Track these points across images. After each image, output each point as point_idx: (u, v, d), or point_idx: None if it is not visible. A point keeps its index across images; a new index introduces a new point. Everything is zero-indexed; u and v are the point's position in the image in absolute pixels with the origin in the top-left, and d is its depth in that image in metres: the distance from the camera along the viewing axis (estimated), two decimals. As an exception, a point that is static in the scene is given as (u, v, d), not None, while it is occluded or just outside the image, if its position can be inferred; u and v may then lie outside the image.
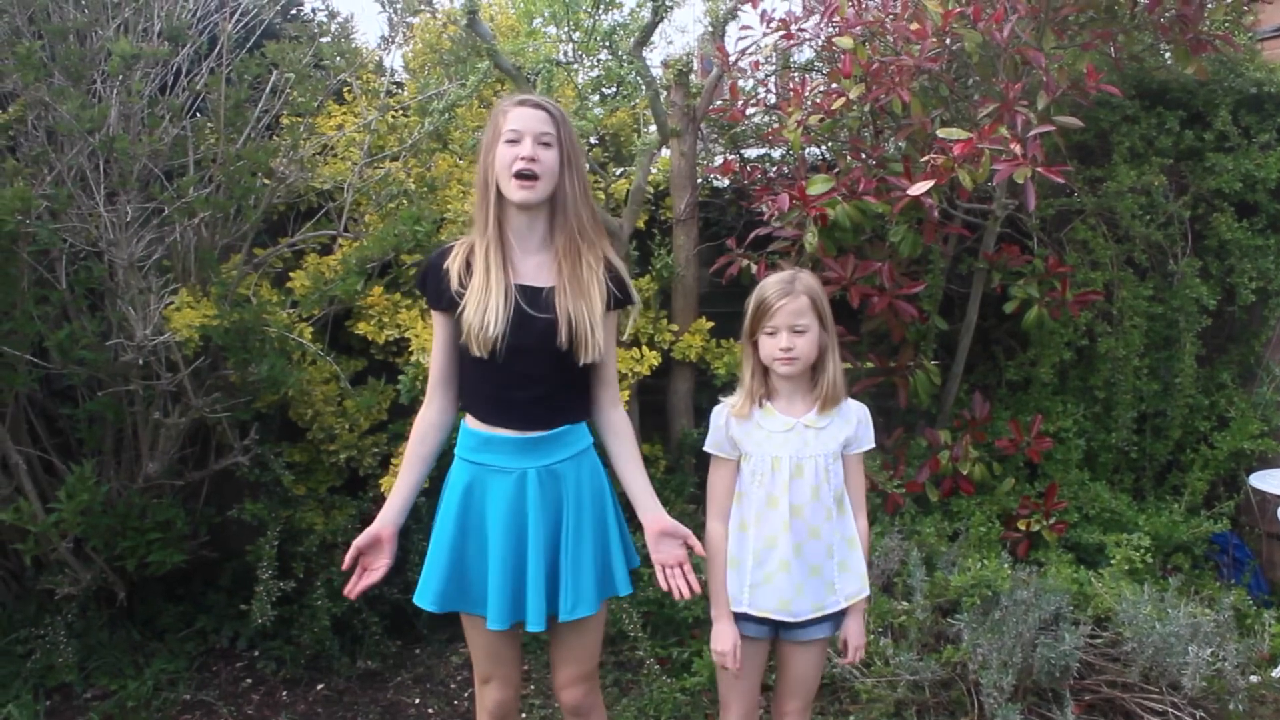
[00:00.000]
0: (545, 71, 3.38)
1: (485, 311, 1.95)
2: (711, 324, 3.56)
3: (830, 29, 3.45)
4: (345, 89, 3.49)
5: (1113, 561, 3.26)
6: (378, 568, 2.05)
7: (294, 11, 3.64)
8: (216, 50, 2.99)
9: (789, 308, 2.06)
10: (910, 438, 3.70)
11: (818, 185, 3.12)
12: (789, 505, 2.08)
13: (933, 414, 3.79)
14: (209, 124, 3.04)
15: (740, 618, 2.14)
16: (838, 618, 2.17)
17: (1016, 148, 2.85)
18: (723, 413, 2.15)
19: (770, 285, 2.10)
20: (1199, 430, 3.87)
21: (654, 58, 4.02)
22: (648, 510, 2.07)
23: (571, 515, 2.05)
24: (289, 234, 3.31)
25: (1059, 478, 3.64)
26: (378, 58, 3.50)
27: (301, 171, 3.15)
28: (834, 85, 3.32)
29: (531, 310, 1.98)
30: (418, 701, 3.17)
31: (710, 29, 3.64)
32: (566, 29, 3.64)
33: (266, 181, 3.06)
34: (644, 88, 3.38)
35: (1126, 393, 3.73)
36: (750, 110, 3.71)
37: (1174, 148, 3.70)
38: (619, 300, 2.07)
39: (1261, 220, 3.78)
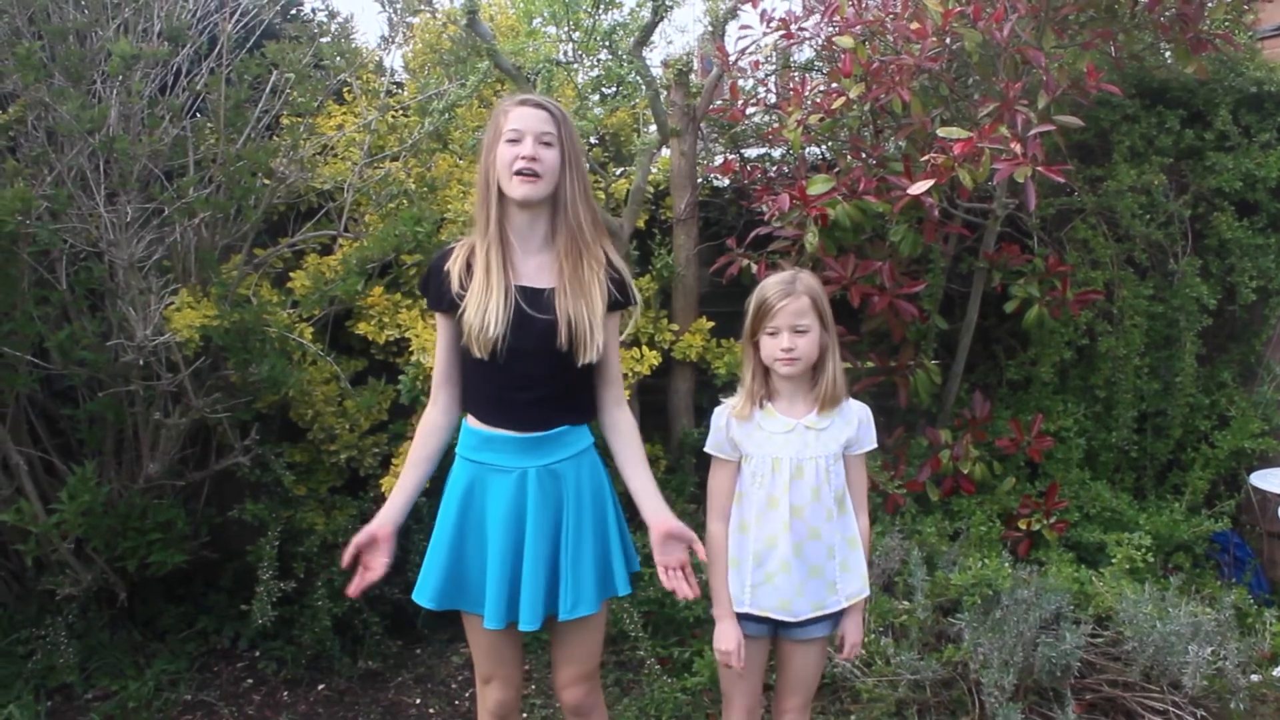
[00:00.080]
0: (545, 71, 3.38)
1: (485, 313, 1.95)
2: (712, 324, 3.56)
3: (830, 28, 3.45)
4: (345, 89, 3.48)
5: (1113, 561, 3.26)
6: (376, 567, 2.04)
7: (294, 11, 3.63)
8: (216, 50, 2.98)
9: (790, 308, 2.06)
10: (911, 437, 3.70)
11: (818, 185, 3.12)
12: (789, 506, 2.08)
13: (933, 413, 3.79)
14: (209, 124, 3.04)
15: (741, 617, 2.14)
16: (838, 616, 2.18)
17: (1017, 147, 2.85)
18: (723, 414, 2.15)
19: (771, 286, 2.10)
20: (1200, 429, 3.87)
21: (654, 57, 4.03)
22: (652, 511, 2.06)
23: (572, 515, 2.05)
24: (289, 234, 3.31)
25: (1060, 477, 3.64)
26: (378, 58, 3.50)
27: (301, 171, 3.15)
28: (834, 85, 3.32)
29: (532, 311, 1.98)
30: (419, 702, 3.17)
31: (710, 28, 3.64)
32: (566, 29, 3.64)
33: (266, 182, 3.06)
34: (644, 87, 3.38)
35: (1127, 392, 3.73)
36: (750, 110, 3.71)
37: (1174, 147, 3.70)
38: (620, 301, 2.07)
39: (1262, 219, 3.78)
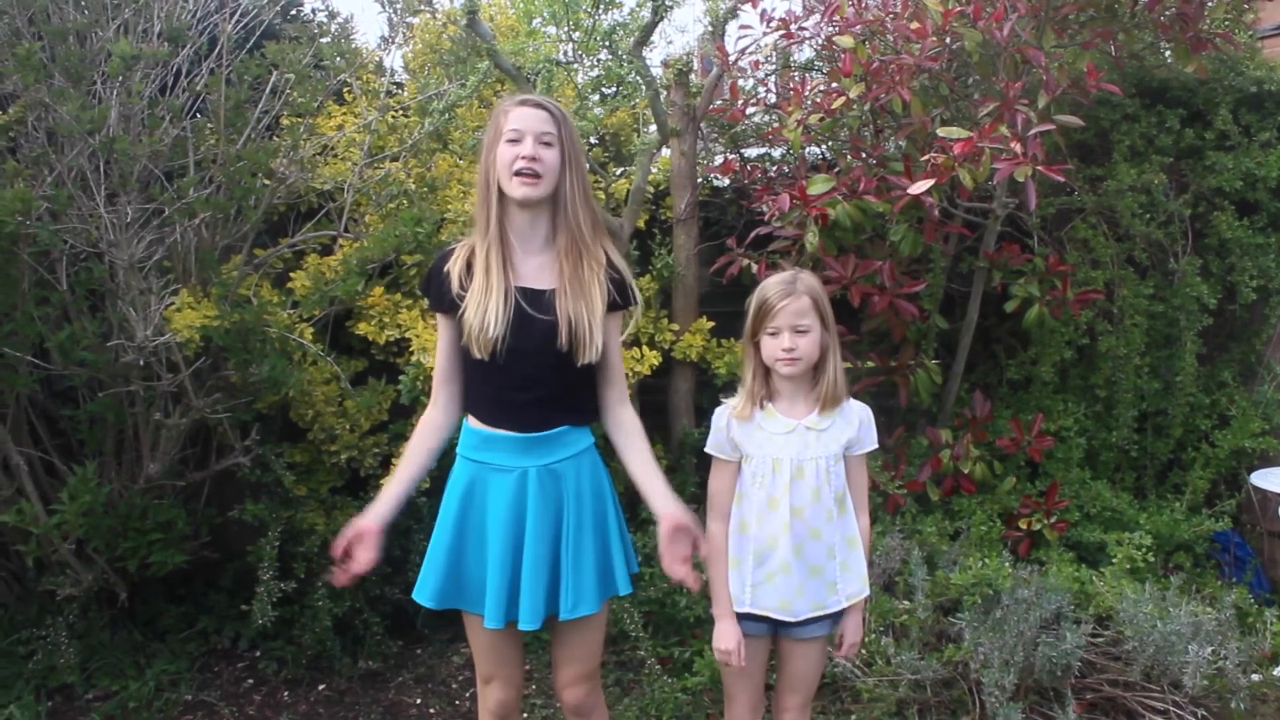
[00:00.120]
0: (545, 71, 3.38)
1: (485, 314, 1.96)
2: (712, 324, 3.56)
3: (830, 28, 3.45)
4: (345, 89, 3.48)
5: (1114, 560, 3.26)
6: (362, 560, 2.00)
7: (294, 12, 3.63)
8: (216, 51, 2.98)
9: (791, 308, 2.06)
10: (911, 437, 3.70)
11: (818, 185, 3.12)
12: (790, 507, 2.08)
13: (934, 413, 3.79)
14: (209, 125, 3.04)
15: (741, 616, 2.14)
16: (838, 615, 2.18)
17: (1017, 146, 2.85)
18: (724, 414, 2.15)
19: (772, 286, 2.10)
20: (1200, 429, 3.87)
21: (654, 57, 4.03)
22: (661, 504, 2.03)
23: (572, 515, 2.05)
24: (289, 234, 3.31)
25: (1060, 476, 3.63)
26: (378, 58, 3.50)
27: (302, 172, 3.15)
28: (834, 84, 3.32)
29: (532, 312, 1.98)
30: (419, 702, 3.17)
31: (710, 28, 3.64)
32: (566, 29, 3.64)
33: (267, 182, 3.06)
34: (644, 87, 3.38)
35: (1127, 391, 3.73)
36: (750, 109, 3.71)
37: (1174, 146, 3.70)
38: (621, 301, 2.07)
39: (1262, 218, 3.78)
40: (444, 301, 2.04)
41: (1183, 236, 3.76)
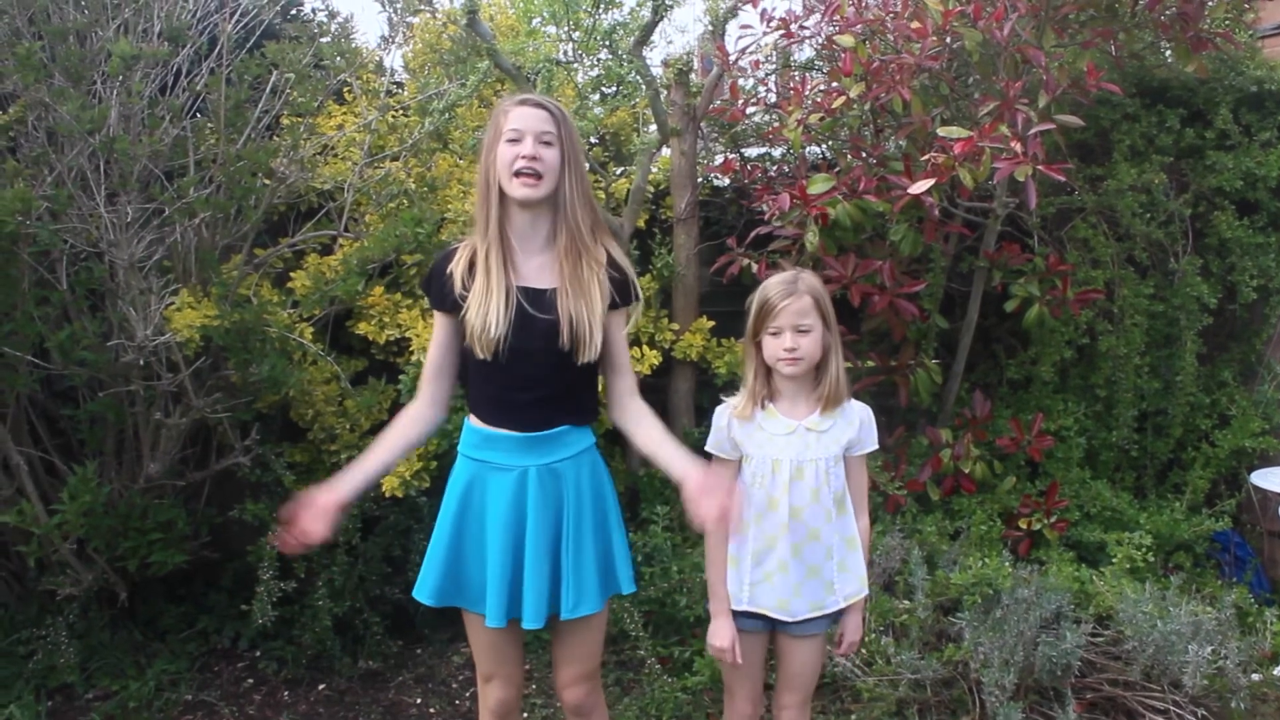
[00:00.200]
0: (545, 71, 3.38)
1: (487, 314, 1.96)
2: (712, 323, 3.56)
3: (831, 27, 3.45)
4: (345, 89, 3.48)
5: (1114, 560, 3.26)
6: (311, 532, 1.93)
7: (294, 11, 3.63)
8: (216, 51, 2.98)
9: (793, 308, 2.06)
10: (911, 436, 3.70)
11: (818, 184, 3.12)
12: (789, 507, 2.08)
13: (934, 413, 3.79)
14: (209, 124, 3.04)
15: (739, 614, 2.15)
16: (836, 613, 2.18)
17: (1017, 146, 2.85)
18: (724, 413, 2.16)
19: (773, 285, 2.10)
20: (1200, 428, 3.87)
21: (654, 57, 4.02)
22: (681, 469, 1.97)
23: (572, 514, 2.05)
24: (289, 234, 3.31)
25: (1060, 476, 3.63)
26: (378, 58, 3.50)
27: (302, 171, 3.15)
28: (834, 84, 3.32)
29: (534, 311, 1.99)
30: (419, 701, 3.17)
31: (710, 28, 3.64)
32: (566, 28, 3.64)
33: (267, 182, 3.06)
34: (644, 87, 3.38)
35: (1127, 391, 3.73)
36: (750, 109, 3.71)
37: (1175, 146, 3.70)
38: (623, 300, 2.07)
39: (1262, 218, 3.78)
40: (446, 302, 2.05)
41: (1183, 236, 3.76)
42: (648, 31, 3.35)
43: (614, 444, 3.56)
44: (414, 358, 3.02)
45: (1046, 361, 3.71)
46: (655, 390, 3.59)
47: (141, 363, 2.83)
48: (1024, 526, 3.48)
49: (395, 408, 3.21)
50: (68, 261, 2.91)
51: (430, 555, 2.09)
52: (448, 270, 2.04)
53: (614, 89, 3.74)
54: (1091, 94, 3.10)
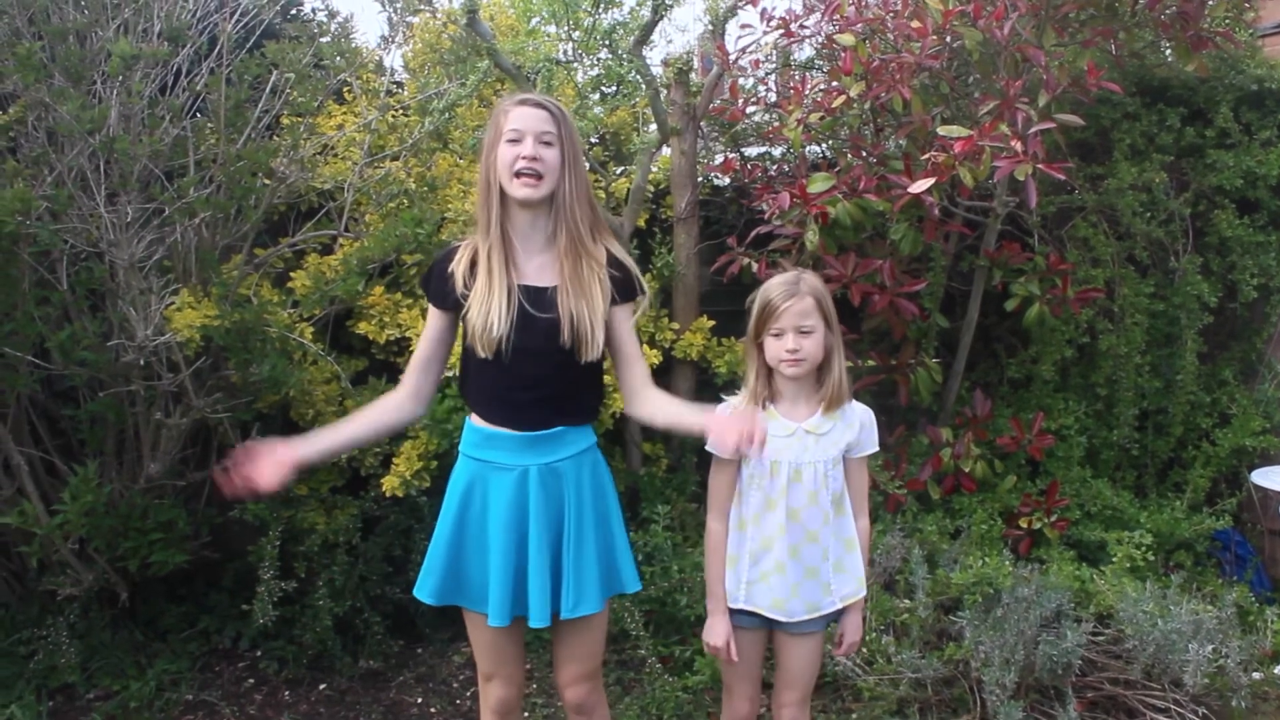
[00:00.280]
0: (545, 70, 3.38)
1: (489, 313, 1.96)
2: (712, 323, 3.56)
3: (831, 26, 3.45)
4: (345, 89, 3.48)
5: (1114, 559, 3.26)
6: (262, 477, 1.91)
7: (294, 11, 3.63)
8: (216, 50, 2.98)
9: (795, 309, 2.05)
10: (912, 435, 3.70)
11: (818, 183, 3.12)
12: (786, 509, 2.09)
13: (934, 412, 3.79)
14: (209, 124, 3.04)
15: (737, 611, 2.16)
16: (834, 613, 2.18)
17: (1017, 145, 2.85)
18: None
19: (775, 287, 2.10)
20: (1201, 427, 3.87)
21: (654, 56, 4.01)
22: (698, 421, 1.95)
23: (573, 513, 2.05)
24: (290, 234, 3.31)
25: (1061, 475, 3.63)
26: (378, 57, 3.49)
27: (302, 171, 3.15)
28: (834, 83, 3.32)
29: (535, 311, 1.99)
30: (420, 701, 3.17)
31: (710, 27, 3.63)
32: (566, 28, 3.64)
33: (267, 181, 3.06)
34: (644, 86, 3.38)
35: (1128, 390, 3.73)
36: (751, 108, 3.71)
37: (1175, 145, 3.70)
38: (625, 295, 2.07)
39: (1263, 217, 3.78)
40: (446, 300, 2.05)
41: (1183, 235, 3.76)
42: (648, 31, 3.35)
43: (614, 443, 3.57)
44: (414, 357, 3.02)
45: (1047, 360, 3.71)
46: (656, 389, 3.59)
47: (142, 363, 2.83)
48: (1024, 525, 3.48)
49: (396, 407, 3.21)
50: (68, 261, 2.91)
51: (431, 554, 2.10)
52: (449, 269, 2.04)
53: (614, 88, 3.74)
54: (1092, 93, 3.10)
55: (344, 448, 2.09)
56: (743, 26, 3.55)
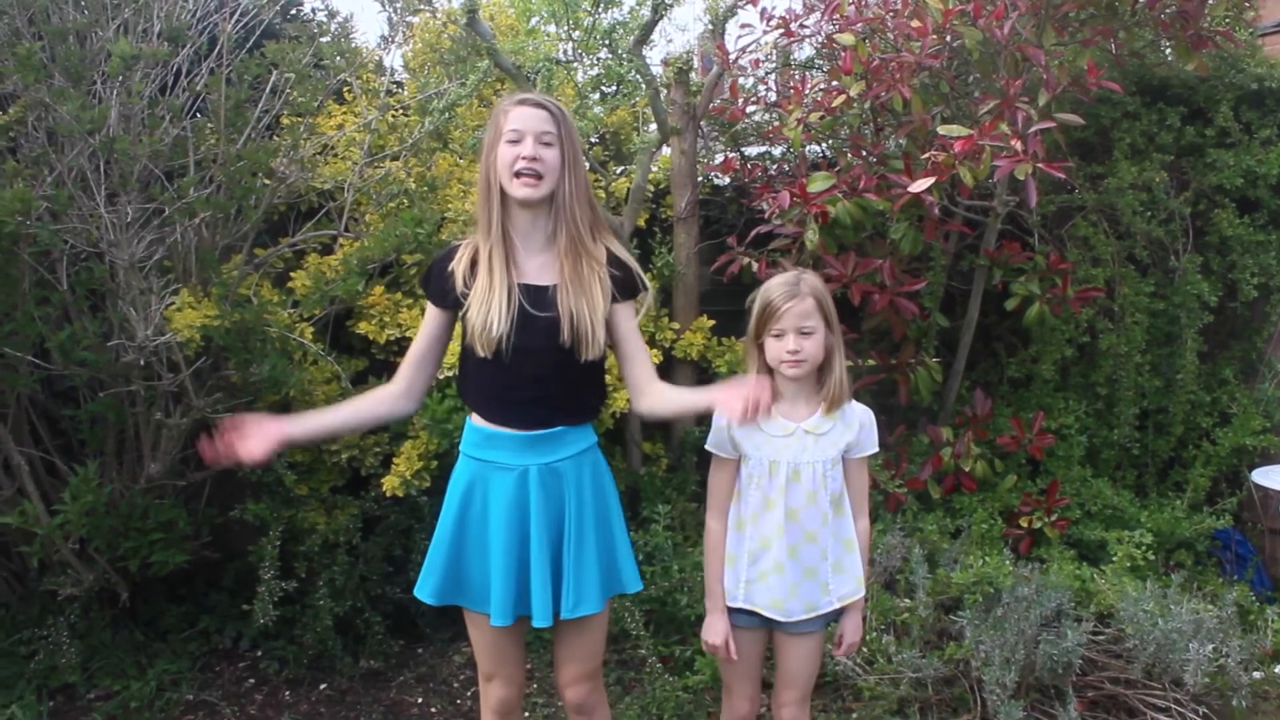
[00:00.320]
0: (545, 70, 3.38)
1: (489, 312, 1.97)
2: (713, 322, 3.56)
3: (831, 26, 3.45)
4: (345, 89, 3.48)
5: (1115, 558, 3.26)
6: (248, 450, 1.93)
7: (294, 11, 3.63)
8: (216, 50, 2.98)
9: (795, 310, 2.05)
10: (912, 435, 3.70)
11: (818, 182, 3.12)
12: (785, 508, 2.09)
13: (934, 411, 3.79)
14: (209, 124, 3.04)
15: (735, 610, 2.16)
16: (832, 613, 2.18)
17: (1017, 144, 2.85)
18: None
19: (775, 287, 2.09)
20: (1201, 426, 3.87)
21: (654, 56, 4.02)
22: (710, 395, 1.92)
23: (574, 513, 2.05)
24: (290, 234, 3.31)
25: (1061, 474, 3.63)
26: (378, 57, 3.49)
27: (302, 171, 3.15)
28: (834, 82, 3.32)
29: (535, 310, 1.99)
30: (420, 701, 3.17)
31: (710, 27, 3.63)
32: (566, 27, 3.64)
33: (267, 181, 3.06)
34: (644, 86, 3.38)
35: (1128, 389, 3.72)
36: (751, 108, 3.70)
37: (1175, 144, 3.69)
38: (626, 293, 2.07)
39: (1263, 216, 3.78)
40: (446, 299, 2.05)
41: (1183, 234, 3.76)
42: (647, 30, 3.35)
43: (615, 443, 3.57)
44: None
45: (1047, 360, 3.71)
46: (656, 389, 3.59)
47: (142, 363, 2.83)
48: (1025, 525, 3.48)
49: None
50: (68, 262, 2.91)
51: (432, 554, 2.10)
52: (449, 268, 2.05)
53: (614, 88, 3.74)
54: (1092, 92, 3.10)
55: (331, 431, 2.11)
56: (743, 26, 3.55)
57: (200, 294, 2.94)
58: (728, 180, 3.72)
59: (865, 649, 2.92)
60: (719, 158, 3.88)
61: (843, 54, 3.21)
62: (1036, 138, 2.88)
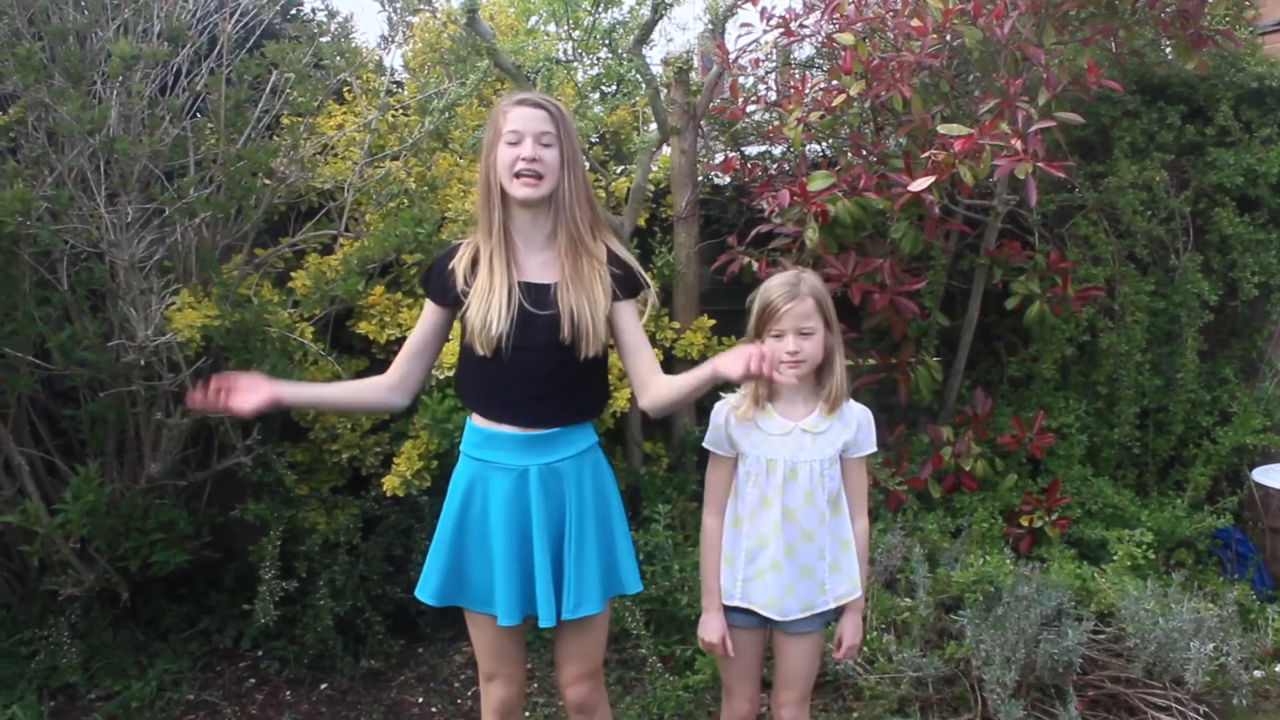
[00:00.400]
0: (545, 70, 3.38)
1: (489, 310, 1.97)
2: (713, 322, 3.56)
3: (831, 26, 3.45)
4: (345, 89, 3.48)
5: (1115, 557, 3.26)
6: (240, 402, 1.92)
7: (294, 11, 3.63)
8: (216, 50, 2.98)
9: (795, 311, 2.05)
10: (912, 434, 3.70)
11: (818, 181, 3.12)
12: (782, 507, 2.09)
13: (935, 410, 3.79)
14: (209, 124, 3.04)
15: (733, 609, 2.16)
16: (830, 612, 2.18)
17: (1017, 143, 2.85)
18: (722, 411, 2.16)
19: (775, 288, 2.09)
20: (1201, 425, 3.87)
21: (654, 55, 4.02)
22: (710, 365, 1.91)
23: (574, 514, 2.05)
24: (290, 234, 3.31)
25: (1061, 473, 3.63)
26: (378, 57, 3.49)
27: (302, 171, 3.15)
28: (834, 82, 3.32)
29: (535, 308, 1.99)
30: (421, 701, 3.17)
31: (710, 26, 3.63)
32: (566, 27, 3.64)
33: (267, 181, 3.06)
34: (644, 85, 3.38)
35: (1129, 388, 3.72)
36: (751, 107, 3.70)
37: (1175, 143, 3.69)
38: (628, 292, 2.07)
39: (1263, 215, 3.78)
40: (446, 296, 2.06)
41: (1184, 233, 3.75)
42: (647, 30, 3.35)
43: (615, 442, 3.57)
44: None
45: (1047, 359, 3.71)
46: (656, 389, 3.59)
47: (142, 363, 2.83)
48: (1025, 524, 3.48)
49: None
50: (68, 262, 2.91)
51: (432, 555, 2.10)
52: (449, 266, 2.05)
53: (614, 88, 3.74)
54: (1092, 91, 3.10)
55: (320, 404, 2.14)
56: (742, 25, 3.55)
57: (200, 294, 2.94)
58: (728, 180, 3.72)
59: (866, 648, 2.92)
60: (719, 157, 3.88)
61: (843, 53, 3.21)
62: (1036, 137, 2.88)
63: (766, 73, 3.94)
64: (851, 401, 2.17)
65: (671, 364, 3.56)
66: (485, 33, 3.23)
